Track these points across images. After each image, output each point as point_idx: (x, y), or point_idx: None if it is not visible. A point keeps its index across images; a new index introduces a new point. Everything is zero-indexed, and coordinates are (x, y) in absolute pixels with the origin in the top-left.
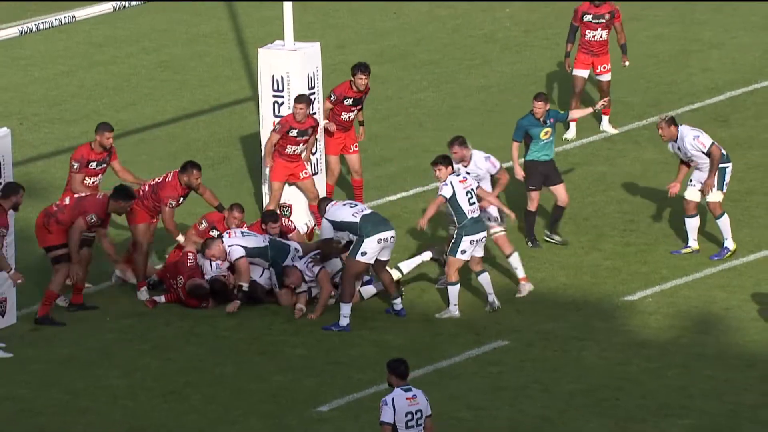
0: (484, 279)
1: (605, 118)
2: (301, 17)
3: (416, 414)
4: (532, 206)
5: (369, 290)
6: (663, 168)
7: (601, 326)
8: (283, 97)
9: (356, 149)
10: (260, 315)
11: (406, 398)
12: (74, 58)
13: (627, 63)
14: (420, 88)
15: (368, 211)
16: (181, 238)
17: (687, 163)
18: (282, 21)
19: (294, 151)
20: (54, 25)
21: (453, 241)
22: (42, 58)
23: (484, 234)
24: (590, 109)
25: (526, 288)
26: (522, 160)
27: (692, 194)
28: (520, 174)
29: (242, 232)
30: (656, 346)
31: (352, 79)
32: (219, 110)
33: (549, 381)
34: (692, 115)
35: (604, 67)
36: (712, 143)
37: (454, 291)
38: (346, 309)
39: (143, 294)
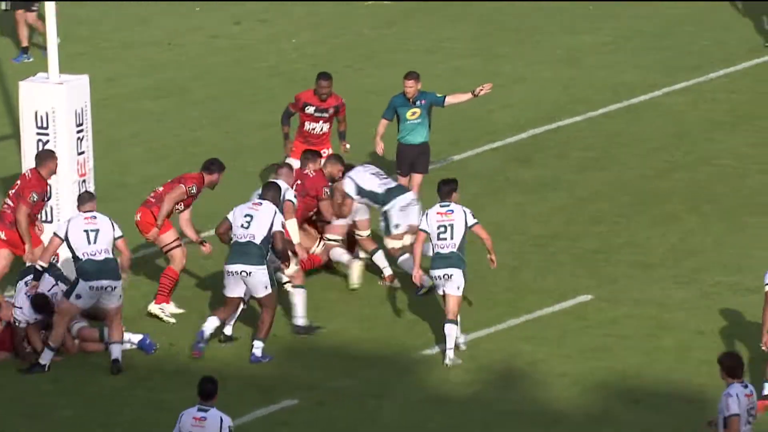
0: (448, 329)
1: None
2: (68, 48)
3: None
4: None
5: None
6: None
7: (398, 382)
8: (47, 134)
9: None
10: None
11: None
12: None
13: (348, 146)
14: (199, 126)
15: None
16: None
17: None
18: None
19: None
20: None
21: None
22: None
23: (444, 271)
24: (469, 95)
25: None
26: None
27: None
28: (379, 149)
29: None
30: (457, 402)
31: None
32: None
33: None
34: (493, 155)
35: (326, 152)
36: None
37: (449, 331)
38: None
39: None
